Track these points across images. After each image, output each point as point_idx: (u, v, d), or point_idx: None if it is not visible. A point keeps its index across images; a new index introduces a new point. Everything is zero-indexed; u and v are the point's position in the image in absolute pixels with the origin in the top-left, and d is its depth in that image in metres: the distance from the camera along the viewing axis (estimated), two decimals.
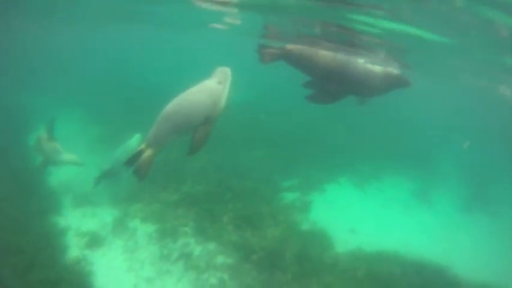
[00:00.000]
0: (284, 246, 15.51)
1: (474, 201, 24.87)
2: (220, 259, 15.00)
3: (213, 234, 15.98)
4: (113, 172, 17.80)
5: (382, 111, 28.01)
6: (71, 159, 17.15)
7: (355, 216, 20.57)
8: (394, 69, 11.41)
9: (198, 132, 8.37)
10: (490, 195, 25.95)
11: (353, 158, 25.74)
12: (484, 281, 16.18)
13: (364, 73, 11.05)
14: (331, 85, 11.39)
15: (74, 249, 15.04)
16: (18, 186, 17.59)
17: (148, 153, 8.31)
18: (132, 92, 32.37)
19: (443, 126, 40.71)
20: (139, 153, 8.27)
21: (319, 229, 17.97)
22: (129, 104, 28.73)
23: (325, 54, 11.26)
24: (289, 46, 11.47)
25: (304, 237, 16.72)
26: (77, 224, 16.45)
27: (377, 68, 11.17)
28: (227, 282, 14.13)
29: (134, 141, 17.79)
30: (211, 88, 8.59)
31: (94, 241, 15.55)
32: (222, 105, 8.59)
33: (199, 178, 19.41)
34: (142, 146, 8.38)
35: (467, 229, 21.85)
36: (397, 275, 15.51)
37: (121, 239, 15.87)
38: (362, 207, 21.95)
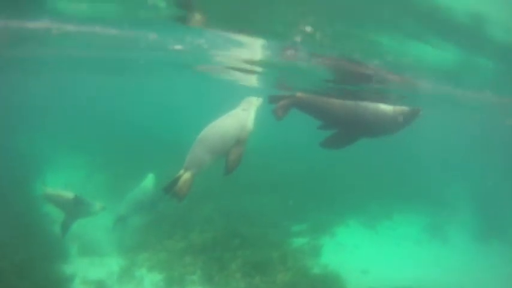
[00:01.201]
0: None
1: (488, 232, 24.58)
2: None
3: (220, 282, 15.72)
4: (131, 214, 18.05)
5: (388, 148, 27.96)
6: (98, 209, 17.12)
7: (367, 257, 20.35)
8: (402, 107, 11.31)
9: (231, 153, 9.52)
10: (504, 224, 25.53)
11: (362, 197, 25.57)
12: None
13: (374, 114, 11.01)
14: (343, 129, 11.36)
15: None
16: (23, 232, 17.52)
17: (187, 176, 9.08)
18: (130, 139, 32.51)
19: (451, 159, 40.59)
20: (177, 179, 9.01)
21: (330, 272, 17.71)
22: (129, 150, 28.84)
23: (334, 101, 11.36)
24: (299, 94, 11.42)
25: (315, 281, 16.46)
26: (84, 272, 16.28)
27: (386, 108, 11.08)
28: None
29: (149, 181, 18.14)
30: (238, 114, 9.93)
31: None
32: (249, 128, 9.83)
33: (206, 225, 19.22)
34: (181, 171, 9.15)
35: (482, 260, 21.56)
36: None
37: (128, 287, 15.65)
38: (373, 247, 21.71)
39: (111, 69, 27.74)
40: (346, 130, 11.37)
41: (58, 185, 22.21)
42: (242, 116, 9.89)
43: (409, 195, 27.19)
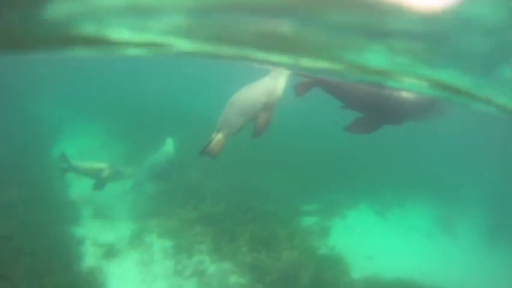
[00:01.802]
0: (299, 269, 15.40)
1: (498, 231, 24.41)
2: (233, 279, 14.97)
3: (228, 254, 15.96)
4: (152, 179, 18.59)
5: (408, 136, 27.80)
6: (129, 175, 17.75)
7: (375, 243, 20.28)
8: (425, 97, 11.15)
9: (259, 117, 10.08)
10: None
11: (377, 183, 25.45)
12: None
13: (400, 97, 10.85)
14: (367, 112, 11.25)
15: (90, 259, 15.21)
16: (37, 194, 17.84)
17: (219, 137, 9.80)
18: (148, 109, 32.72)
19: (470, 155, 40.26)
20: (210, 142, 9.78)
21: (336, 254, 17.77)
22: (146, 120, 29.05)
23: (358, 85, 10.77)
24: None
25: (321, 261, 16.56)
26: (95, 234, 16.60)
27: (410, 96, 10.91)
28: None
29: (169, 145, 18.33)
30: (267, 81, 10.39)
31: (110, 252, 15.73)
32: (278, 94, 10.32)
33: (218, 198, 19.40)
34: (213, 133, 9.87)
35: (489, 260, 21.42)
36: None
37: (137, 252, 15.97)
38: (382, 234, 21.66)
39: None
40: (369, 114, 11.31)
41: (75, 152, 22.64)
42: (271, 83, 10.37)
43: (424, 186, 27.05)
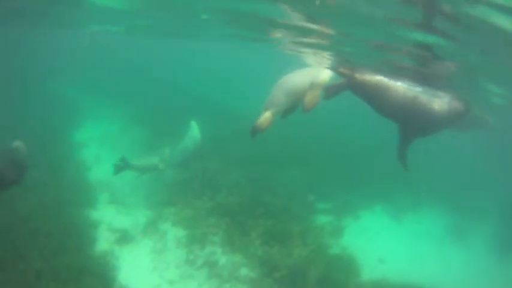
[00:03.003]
0: (309, 267, 15.44)
1: (509, 243, 24.30)
2: (243, 271, 15.10)
3: (240, 246, 16.09)
4: (181, 163, 19.26)
5: (427, 141, 27.68)
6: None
7: (387, 246, 20.36)
8: (457, 103, 10.85)
9: (308, 95, 10.75)
10: None
11: (393, 186, 25.45)
12: None
13: (432, 112, 10.32)
14: (397, 120, 11.06)
15: (103, 243, 15.49)
16: (57, 177, 18.13)
17: (267, 114, 10.53)
18: (169, 97, 33.02)
19: (489, 163, 39.95)
20: (265, 121, 10.54)
21: (347, 255, 17.79)
22: (166, 108, 29.34)
23: (397, 87, 10.47)
24: (358, 75, 10.70)
25: (331, 261, 16.58)
26: (110, 219, 16.89)
27: (443, 106, 10.42)
28: None
29: (194, 128, 18.93)
30: (310, 69, 11.65)
31: (124, 238, 16.00)
32: (324, 76, 11.05)
33: (234, 190, 19.60)
34: (264, 112, 10.60)
35: (499, 271, 21.33)
36: None
37: (150, 239, 16.20)
38: (395, 238, 21.73)
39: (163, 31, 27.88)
40: (398, 123, 11.09)
41: (97, 135, 22.97)
42: (315, 70, 11.32)
43: (440, 193, 26.97)
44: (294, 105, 11.08)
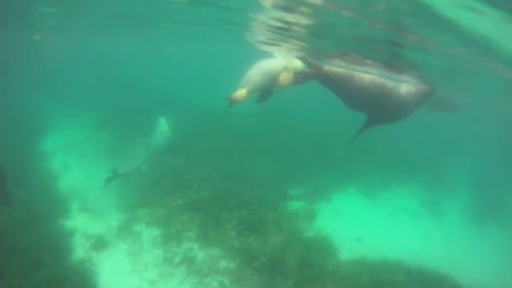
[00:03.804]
0: (286, 252, 15.58)
1: (484, 211, 24.77)
2: (222, 264, 15.16)
3: (216, 240, 16.14)
4: (153, 159, 19.68)
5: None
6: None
7: (363, 225, 20.60)
8: (423, 86, 11.06)
9: (281, 75, 11.56)
10: (501, 205, 25.82)
11: (363, 166, 25.75)
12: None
13: (399, 99, 10.77)
14: (366, 109, 11.23)
15: (80, 251, 15.37)
16: (25, 190, 17.91)
17: (242, 90, 11.69)
18: (132, 99, 32.92)
19: (454, 135, 40.56)
20: (240, 95, 11.70)
21: (323, 237, 17.98)
22: (131, 112, 29.23)
23: (363, 77, 10.83)
24: (326, 67, 11.07)
25: (308, 244, 16.75)
26: (84, 227, 16.75)
27: (409, 90, 10.88)
28: (228, 287, 14.27)
29: (163, 124, 19.45)
30: (283, 56, 13.56)
31: (99, 244, 15.88)
32: (296, 62, 11.91)
33: (205, 184, 19.63)
34: (240, 88, 11.77)
35: (474, 238, 21.86)
36: (399, 281, 15.60)
37: (126, 242, 16.12)
38: (370, 216, 21.94)
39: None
40: (366, 111, 11.30)
41: (63, 144, 22.74)
42: (287, 59, 12.26)
43: (410, 168, 27.36)
44: (268, 87, 12.14)
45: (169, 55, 58.00)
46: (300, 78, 11.28)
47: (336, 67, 11.05)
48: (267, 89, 12.35)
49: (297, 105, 21.59)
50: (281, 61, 12.17)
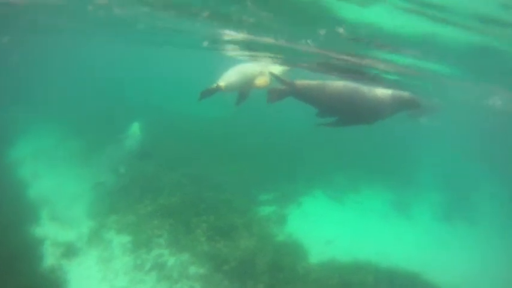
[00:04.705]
0: (257, 256, 15.77)
1: (452, 211, 25.19)
2: (192, 269, 15.25)
3: (186, 245, 16.24)
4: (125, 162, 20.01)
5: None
6: None
7: (332, 228, 20.77)
8: (404, 92, 11.25)
9: (259, 78, 13.17)
10: (468, 205, 26.31)
11: (331, 170, 26.01)
12: (455, 285, 16.65)
13: (374, 101, 10.96)
14: (340, 116, 11.41)
15: (50, 259, 15.27)
16: None
17: (221, 83, 12.58)
18: (104, 105, 32.80)
19: (421, 136, 41.02)
20: (215, 88, 12.55)
21: (294, 241, 18.19)
22: (102, 116, 29.16)
23: (333, 86, 11.10)
24: (298, 82, 11.28)
25: (278, 248, 16.97)
26: (54, 234, 16.62)
27: (386, 94, 11.03)
28: None
29: (136, 128, 20.37)
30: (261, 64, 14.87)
31: (70, 251, 15.78)
32: (273, 69, 13.58)
33: (175, 190, 19.71)
34: (218, 82, 12.65)
35: (443, 238, 22.21)
36: (369, 282, 15.92)
37: (96, 249, 16.07)
38: (339, 218, 22.14)
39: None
40: (343, 117, 11.42)
41: (29, 151, 22.57)
42: (264, 65, 14.17)
43: (378, 169, 27.63)
44: (243, 89, 13.47)
45: (144, 61, 57.75)
46: (275, 96, 11.42)
47: (307, 80, 11.31)
48: (243, 91, 13.56)
49: (267, 111, 21.62)
50: (259, 65, 13.76)
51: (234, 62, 19.56)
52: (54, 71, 52.37)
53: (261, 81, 13.18)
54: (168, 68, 63.31)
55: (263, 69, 13.49)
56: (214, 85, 12.61)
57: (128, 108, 30.89)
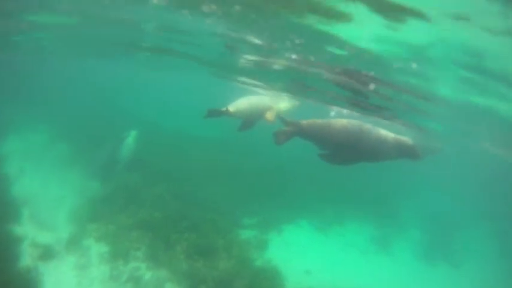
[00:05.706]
0: (235, 278, 15.70)
1: (433, 250, 25.19)
2: (168, 286, 15.16)
3: (164, 261, 16.16)
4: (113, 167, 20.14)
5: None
6: None
7: (312, 258, 20.70)
8: (407, 139, 11.38)
9: (268, 112, 14.15)
10: (450, 244, 26.31)
11: (317, 200, 25.95)
12: None
13: (376, 141, 11.13)
14: (344, 153, 11.50)
15: (27, 259, 15.16)
16: None
17: (231, 108, 13.36)
18: (98, 117, 32.83)
19: (407, 175, 41.20)
20: (224, 112, 13.32)
21: (273, 267, 18.08)
22: (95, 126, 29.17)
23: (337, 124, 11.32)
24: (304, 122, 11.57)
25: (256, 273, 16.86)
26: (33, 235, 16.50)
27: (389, 136, 11.21)
28: None
29: (132, 137, 20.62)
30: (272, 98, 16.34)
31: (47, 254, 15.68)
32: (281, 106, 14.92)
33: (158, 204, 19.64)
34: (228, 107, 13.51)
35: (423, 277, 22.13)
36: None
37: (74, 255, 15.98)
38: (320, 250, 22.07)
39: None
40: (347, 155, 11.56)
41: (19, 147, 22.48)
42: (275, 99, 15.29)
43: (363, 205, 27.63)
44: (251, 118, 14.29)
45: (144, 81, 57.86)
46: (282, 137, 11.63)
47: (313, 120, 11.58)
48: (249, 120, 14.40)
49: (260, 135, 21.63)
50: (269, 101, 14.71)
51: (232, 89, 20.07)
52: (56, 84, 52.48)
53: (269, 116, 13.93)
54: (168, 87, 63.43)
55: (273, 105, 14.39)
56: (224, 108, 13.25)
57: (123, 120, 30.89)
